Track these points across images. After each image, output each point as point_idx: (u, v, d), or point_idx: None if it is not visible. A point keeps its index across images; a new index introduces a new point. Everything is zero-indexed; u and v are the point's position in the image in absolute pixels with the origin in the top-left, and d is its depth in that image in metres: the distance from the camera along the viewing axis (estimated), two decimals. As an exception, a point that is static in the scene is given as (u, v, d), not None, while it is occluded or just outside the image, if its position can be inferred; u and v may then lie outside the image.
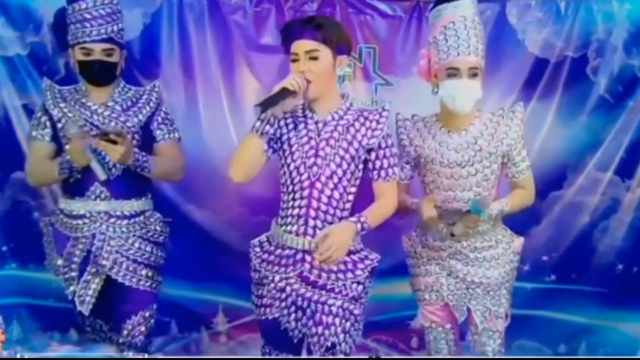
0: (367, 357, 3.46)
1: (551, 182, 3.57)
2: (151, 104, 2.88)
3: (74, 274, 2.77)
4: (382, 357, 3.67)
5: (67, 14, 2.80)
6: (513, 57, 3.55)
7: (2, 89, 3.36)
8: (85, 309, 2.74)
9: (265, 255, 2.46)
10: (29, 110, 3.31)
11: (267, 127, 2.35)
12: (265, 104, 2.30)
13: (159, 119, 2.88)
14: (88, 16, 2.74)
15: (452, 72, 2.51)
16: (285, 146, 2.42)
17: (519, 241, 2.74)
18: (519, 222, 3.45)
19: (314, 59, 2.34)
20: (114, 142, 2.60)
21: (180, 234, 3.09)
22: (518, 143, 2.62)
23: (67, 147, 2.71)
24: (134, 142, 2.79)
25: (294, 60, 2.37)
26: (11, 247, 3.40)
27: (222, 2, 3.52)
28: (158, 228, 2.88)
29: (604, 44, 3.50)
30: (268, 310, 2.44)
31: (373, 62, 3.61)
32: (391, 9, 3.61)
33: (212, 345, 3.60)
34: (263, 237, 2.52)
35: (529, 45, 3.54)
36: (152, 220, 2.87)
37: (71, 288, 2.77)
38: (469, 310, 2.65)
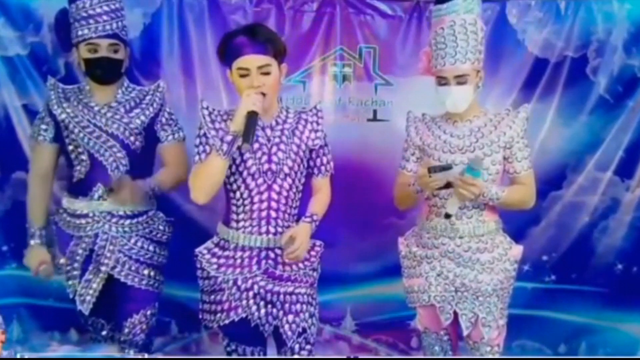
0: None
1: (551, 182, 3.57)
2: (155, 105, 2.88)
3: (76, 272, 2.78)
4: (382, 357, 3.68)
5: (70, 13, 2.79)
6: (513, 57, 3.56)
7: (2, 89, 3.35)
8: (85, 308, 2.75)
9: (223, 260, 2.49)
10: (29, 110, 3.32)
11: (233, 149, 2.37)
12: (249, 136, 2.30)
13: (163, 119, 2.88)
14: (93, 12, 2.74)
15: (441, 80, 2.59)
16: (236, 154, 2.43)
17: (517, 249, 2.70)
18: (519, 222, 3.48)
19: (266, 73, 2.38)
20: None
21: (181, 234, 3.09)
22: (520, 139, 2.62)
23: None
24: (137, 143, 2.81)
25: (243, 76, 2.38)
26: (11, 247, 3.40)
27: (222, 2, 3.52)
28: (161, 227, 2.89)
29: (604, 44, 3.50)
30: (233, 312, 2.48)
31: (373, 62, 3.62)
32: (391, 9, 3.61)
33: (212, 345, 3.59)
34: (209, 244, 2.54)
35: (529, 45, 3.55)
36: (155, 219, 2.88)
37: (73, 287, 2.78)
38: (455, 314, 2.63)
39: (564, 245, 3.61)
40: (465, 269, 2.60)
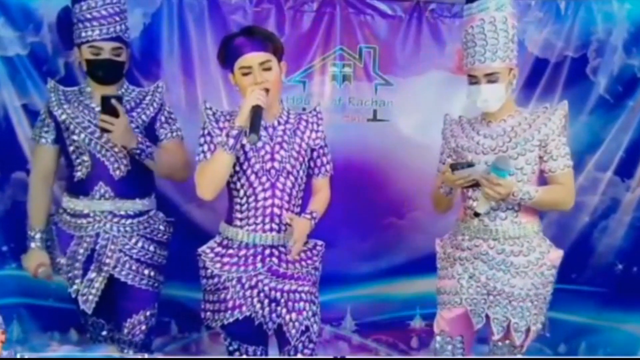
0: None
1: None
2: (155, 105, 2.88)
3: (77, 272, 2.78)
4: (382, 357, 3.68)
5: (73, 13, 2.79)
6: (513, 57, 3.55)
7: (2, 89, 3.34)
8: (88, 308, 2.75)
9: (226, 259, 2.51)
10: (29, 110, 3.31)
11: (239, 144, 2.40)
12: (256, 129, 2.34)
13: (162, 118, 2.88)
14: (97, 15, 2.74)
15: (472, 79, 2.57)
16: (239, 152, 2.45)
17: (556, 253, 2.63)
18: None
19: (268, 69, 2.43)
20: (115, 115, 2.62)
21: (180, 234, 3.09)
22: (557, 136, 2.54)
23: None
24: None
25: (245, 74, 2.42)
26: (11, 247, 3.39)
27: (222, 2, 3.51)
28: (162, 227, 2.89)
29: (604, 44, 3.50)
30: (237, 311, 2.50)
31: (373, 62, 3.62)
32: (391, 9, 3.61)
33: (212, 345, 3.59)
34: (212, 243, 2.56)
35: (529, 45, 3.54)
36: (155, 219, 2.88)
37: (74, 287, 2.78)
38: (487, 317, 2.56)
39: (564, 245, 3.58)
40: (498, 272, 2.54)
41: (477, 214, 2.52)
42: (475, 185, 2.48)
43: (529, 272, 2.55)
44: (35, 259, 2.85)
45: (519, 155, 2.54)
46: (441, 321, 2.67)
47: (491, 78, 2.53)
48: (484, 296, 2.56)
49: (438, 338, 2.69)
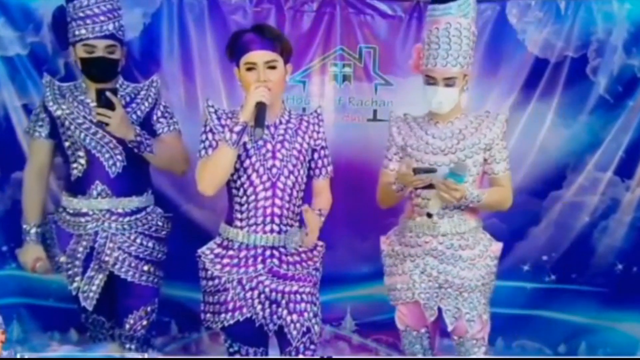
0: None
1: (551, 182, 3.58)
2: (150, 99, 2.88)
3: (77, 270, 2.79)
4: (382, 357, 3.68)
5: (68, 12, 2.80)
6: (513, 57, 3.55)
7: (2, 89, 3.35)
8: (89, 305, 2.77)
9: (227, 260, 2.50)
10: (29, 111, 3.30)
11: (243, 139, 2.40)
12: (261, 124, 2.36)
13: (159, 112, 2.88)
14: (90, 13, 2.75)
15: (429, 79, 2.62)
16: (241, 150, 2.45)
17: (497, 245, 2.75)
18: (519, 222, 3.48)
19: (273, 68, 2.44)
20: (110, 107, 2.64)
21: (180, 233, 3.09)
22: (500, 141, 2.67)
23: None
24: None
25: (250, 69, 2.43)
26: (11, 247, 3.39)
27: (222, 2, 3.52)
28: (160, 223, 2.90)
29: (604, 44, 3.50)
30: (237, 312, 2.49)
31: (373, 62, 3.62)
32: (391, 9, 3.61)
33: (212, 345, 3.59)
34: (212, 244, 2.55)
35: (529, 45, 3.54)
36: (153, 215, 2.89)
37: (75, 284, 2.79)
38: (439, 310, 2.67)
39: (564, 245, 3.61)
40: (448, 265, 2.66)
41: (429, 215, 2.59)
42: (429, 186, 2.53)
43: (477, 264, 2.67)
44: (32, 254, 2.86)
45: (467, 158, 2.64)
46: (402, 317, 2.77)
47: (449, 82, 2.60)
48: (436, 290, 2.67)
49: (405, 334, 2.80)
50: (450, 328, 2.68)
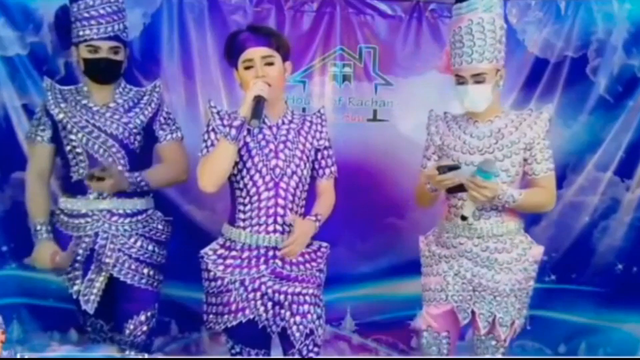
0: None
1: (551, 182, 3.58)
2: (153, 105, 2.88)
3: (77, 272, 2.78)
4: (382, 357, 3.68)
5: (72, 12, 2.79)
6: (513, 57, 3.54)
7: (2, 89, 3.35)
8: (90, 308, 2.75)
9: (229, 261, 2.48)
10: (29, 110, 3.31)
11: (242, 134, 2.39)
12: (258, 116, 2.35)
13: (161, 119, 2.88)
14: (95, 14, 2.75)
15: (459, 79, 2.59)
16: (243, 151, 2.45)
17: (538, 249, 2.66)
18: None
19: (270, 64, 2.43)
20: (102, 179, 2.65)
21: (180, 234, 3.09)
22: (542, 140, 2.58)
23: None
24: (136, 143, 2.82)
25: (248, 68, 2.43)
26: (11, 247, 3.40)
27: (222, 2, 3.52)
28: (160, 227, 2.89)
29: (604, 44, 3.50)
30: (240, 314, 2.47)
31: (373, 62, 3.62)
32: (391, 9, 3.61)
33: (212, 345, 3.59)
34: (215, 245, 2.54)
35: (529, 45, 3.55)
36: (154, 218, 2.89)
37: (75, 287, 2.77)
38: (473, 313, 2.62)
39: (564, 245, 3.61)
40: (482, 268, 2.60)
41: (464, 217, 2.55)
42: (462, 189, 2.49)
43: (513, 268, 2.60)
44: (47, 249, 2.79)
45: (505, 157, 2.57)
46: (428, 317, 2.71)
47: (478, 79, 2.55)
48: (470, 292, 2.61)
49: (425, 334, 2.72)
50: (483, 332, 2.60)
